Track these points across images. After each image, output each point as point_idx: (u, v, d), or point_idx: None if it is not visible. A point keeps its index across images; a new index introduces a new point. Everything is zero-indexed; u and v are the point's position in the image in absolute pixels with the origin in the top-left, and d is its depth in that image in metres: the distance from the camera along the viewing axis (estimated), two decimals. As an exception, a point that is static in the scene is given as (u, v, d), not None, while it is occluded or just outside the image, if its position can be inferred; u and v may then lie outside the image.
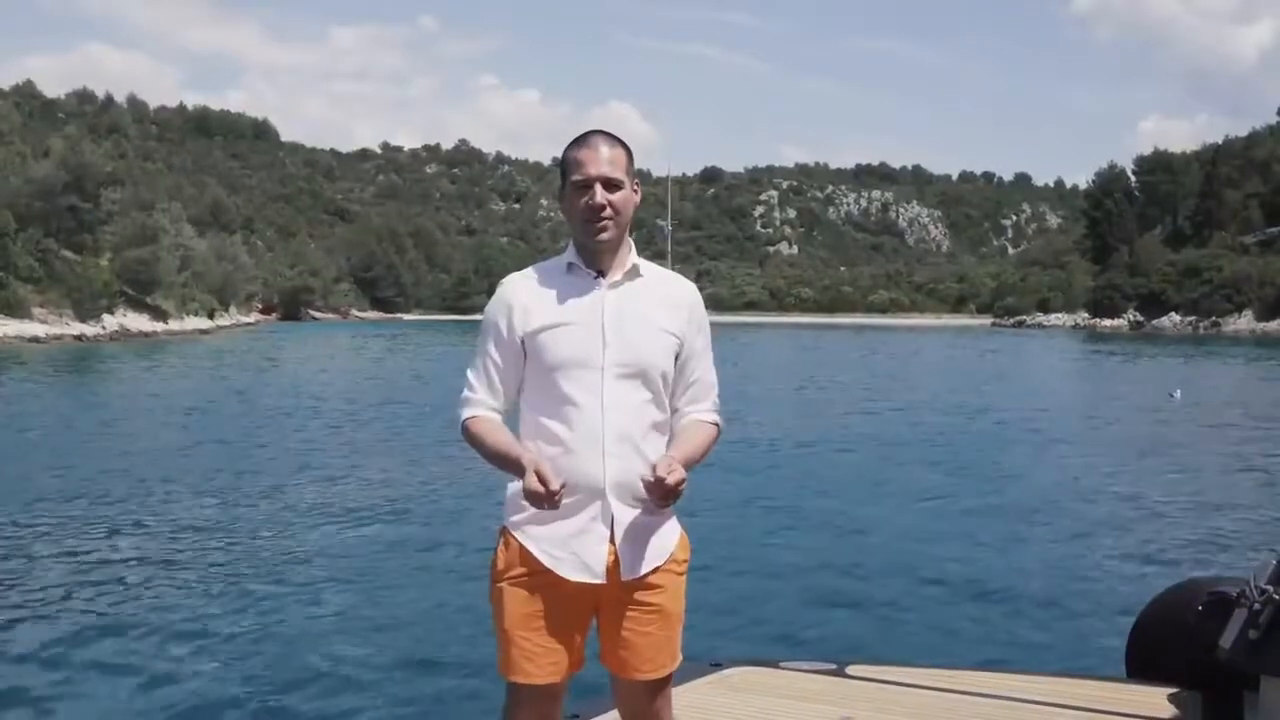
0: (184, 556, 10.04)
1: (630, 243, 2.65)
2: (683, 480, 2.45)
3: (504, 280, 2.69)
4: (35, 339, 53.23)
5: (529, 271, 2.68)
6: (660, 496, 2.46)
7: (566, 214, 2.63)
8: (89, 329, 59.02)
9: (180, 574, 9.33)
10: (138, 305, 68.64)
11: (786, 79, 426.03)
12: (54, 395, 27.99)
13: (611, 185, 2.56)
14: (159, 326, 68.43)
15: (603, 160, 2.56)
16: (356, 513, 12.28)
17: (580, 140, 2.62)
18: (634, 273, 2.63)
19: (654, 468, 2.46)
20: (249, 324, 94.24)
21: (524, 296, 2.60)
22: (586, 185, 2.56)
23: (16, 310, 55.15)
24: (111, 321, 62.61)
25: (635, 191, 2.65)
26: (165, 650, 7.20)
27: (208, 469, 15.28)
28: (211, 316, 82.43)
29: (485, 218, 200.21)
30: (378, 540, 10.90)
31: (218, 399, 26.83)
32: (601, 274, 2.59)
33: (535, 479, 2.41)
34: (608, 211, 2.54)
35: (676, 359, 2.63)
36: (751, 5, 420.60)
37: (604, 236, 2.56)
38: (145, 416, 22.57)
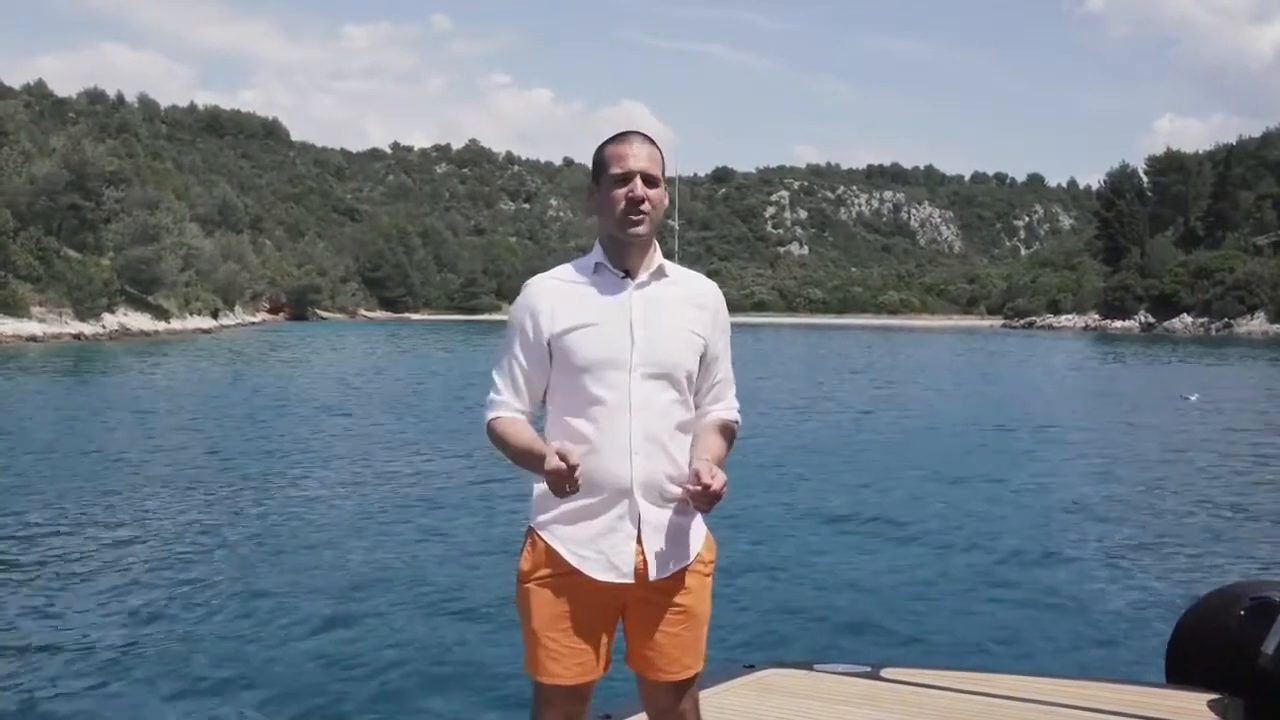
0: (190, 557, 9.91)
1: (656, 244, 2.65)
2: (725, 484, 2.45)
3: (530, 281, 2.66)
4: (33, 338, 53.01)
5: (556, 272, 2.67)
6: (705, 502, 2.47)
7: (600, 209, 2.61)
8: (88, 328, 58.78)
9: (187, 575, 9.21)
10: (139, 304, 68.48)
11: (799, 79, 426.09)
12: (37, 391, 27.69)
13: (650, 181, 2.57)
14: (160, 326, 68.23)
15: (642, 156, 2.58)
16: (377, 513, 12.24)
17: (618, 137, 2.63)
18: (660, 273, 2.63)
19: (695, 473, 2.47)
20: (254, 323, 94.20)
21: (550, 298, 2.59)
22: (627, 178, 2.56)
23: (15, 309, 54.95)
24: (111, 320, 62.41)
25: (664, 191, 2.65)
26: (171, 650, 7.10)
27: (190, 467, 15.08)
28: (215, 316, 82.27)
29: (495, 217, 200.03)
30: (402, 540, 10.78)
31: (201, 396, 26.55)
32: (629, 274, 2.59)
33: (556, 457, 2.39)
34: (645, 205, 2.55)
35: (702, 359, 2.64)
36: (764, 5, 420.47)
37: (640, 230, 2.56)
38: (122, 414, 22.17)
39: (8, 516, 11.43)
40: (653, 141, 2.63)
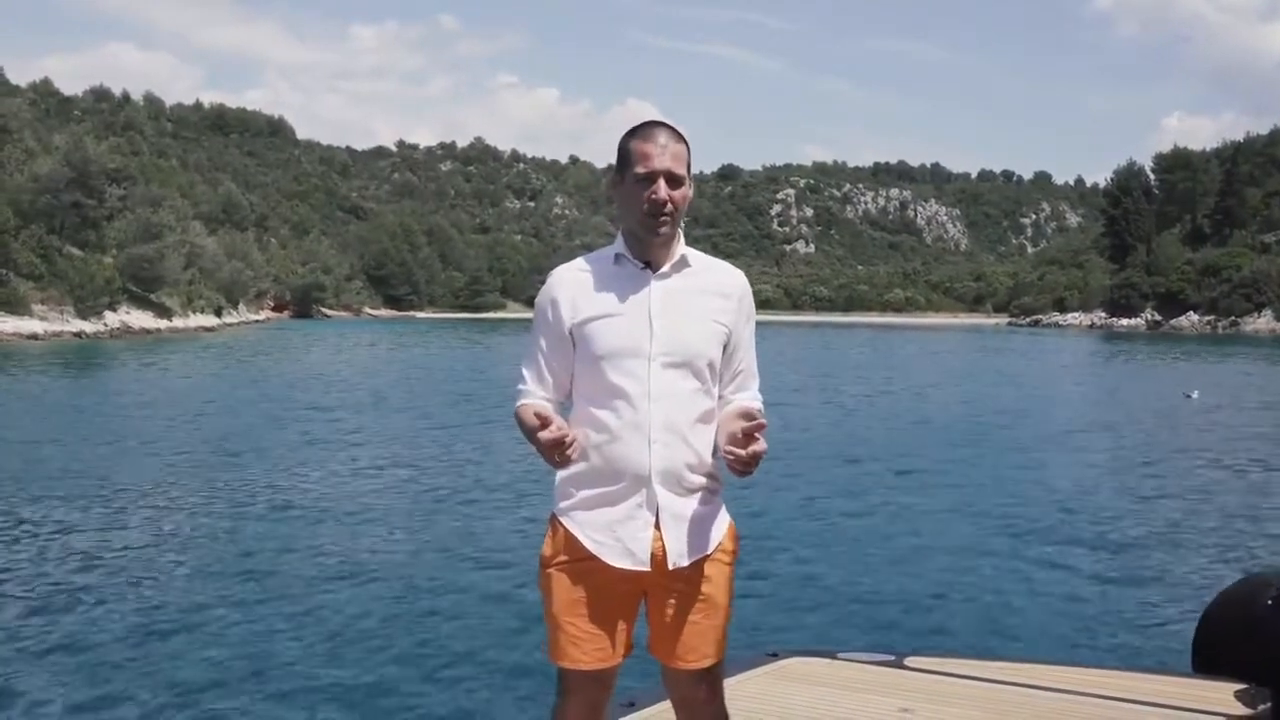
0: (204, 552, 9.93)
1: (680, 233, 2.61)
2: (765, 451, 2.43)
3: (552, 272, 2.67)
4: (34, 336, 52.87)
5: (578, 263, 2.67)
6: (743, 464, 2.42)
7: (622, 202, 2.59)
8: (89, 326, 58.66)
9: (199, 570, 9.21)
10: (141, 302, 68.34)
11: (805, 78, 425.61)
12: (37, 389, 27.60)
13: (674, 181, 2.53)
14: (162, 324, 68.07)
15: (668, 154, 2.52)
16: (403, 503, 12.40)
17: (643, 130, 2.57)
18: (682, 263, 2.61)
19: (742, 432, 2.42)
20: (258, 321, 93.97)
21: (571, 288, 2.60)
22: (651, 179, 2.51)
23: (16, 307, 54.82)
24: (113, 319, 62.22)
25: (690, 187, 2.60)
26: (181, 650, 7.03)
27: (189, 464, 14.99)
28: (219, 314, 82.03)
29: (500, 215, 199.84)
30: (429, 530, 10.89)
31: (200, 394, 26.43)
32: (649, 265, 2.58)
33: (541, 425, 2.42)
34: (669, 208, 2.52)
35: (725, 348, 2.62)
36: (769, 5, 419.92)
37: (663, 232, 2.54)
38: (119, 411, 22.04)
39: (4, 515, 11.34)
40: (680, 135, 2.55)
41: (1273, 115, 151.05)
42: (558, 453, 2.41)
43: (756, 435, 2.41)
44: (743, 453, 2.41)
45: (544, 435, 2.39)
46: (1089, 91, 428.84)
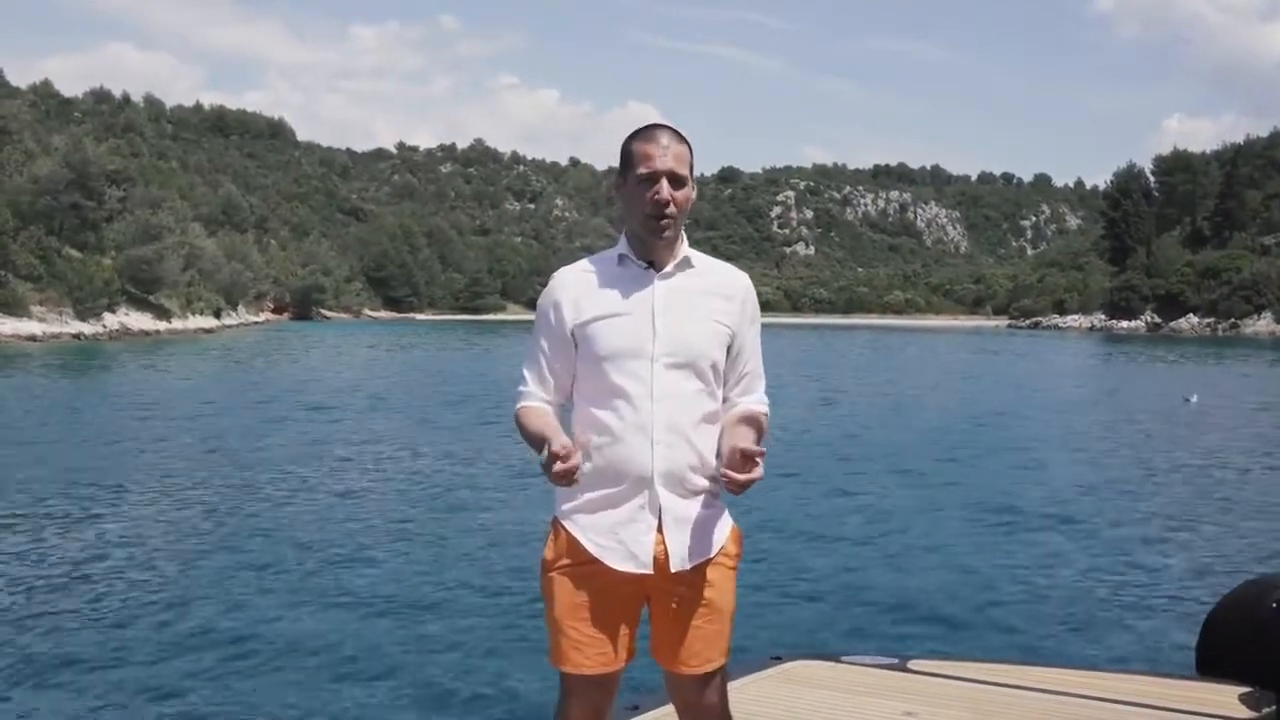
0: (209, 553, 9.90)
1: (683, 234, 2.62)
2: (761, 476, 2.44)
3: (555, 273, 2.68)
4: (32, 337, 52.79)
5: (581, 264, 2.67)
6: (738, 486, 2.43)
7: (625, 204, 2.60)
8: (88, 327, 58.56)
9: (206, 573, 9.18)
10: (140, 304, 68.24)
11: (805, 78, 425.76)
12: (36, 387, 27.57)
13: (677, 181, 2.54)
14: (161, 325, 67.94)
15: (670, 155, 2.53)
16: (402, 505, 12.38)
17: (645, 132, 2.58)
18: (685, 264, 2.61)
19: (740, 454, 2.41)
20: (257, 323, 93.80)
21: (574, 289, 2.60)
22: (653, 179, 2.52)
23: (15, 309, 54.77)
24: (112, 320, 62.13)
25: (692, 188, 2.61)
26: (176, 647, 7.00)
27: (188, 465, 14.86)
28: (218, 316, 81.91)
29: (500, 217, 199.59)
30: (428, 532, 10.87)
31: (197, 395, 26.38)
32: (653, 265, 2.58)
33: (555, 447, 2.41)
34: (671, 209, 2.52)
35: (729, 350, 2.61)
36: (771, 6, 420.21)
37: (666, 234, 2.55)
38: (118, 412, 22.01)
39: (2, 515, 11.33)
40: (682, 137, 2.56)
41: (1273, 117, 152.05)
42: (564, 479, 2.40)
43: (756, 460, 2.39)
44: (739, 477, 2.40)
45: (558, 468, 2.37)
46: (1089, 92, 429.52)
